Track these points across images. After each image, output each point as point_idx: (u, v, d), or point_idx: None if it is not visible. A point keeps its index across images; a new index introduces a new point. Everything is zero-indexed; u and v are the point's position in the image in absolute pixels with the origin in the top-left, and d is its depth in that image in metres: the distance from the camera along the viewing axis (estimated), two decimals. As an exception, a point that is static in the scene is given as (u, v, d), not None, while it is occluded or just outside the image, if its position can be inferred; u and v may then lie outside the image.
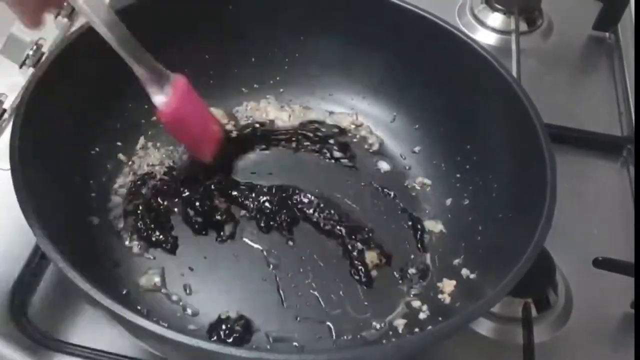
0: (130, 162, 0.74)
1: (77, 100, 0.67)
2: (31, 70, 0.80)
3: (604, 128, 0.87)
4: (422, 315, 0.64)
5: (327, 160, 0.78)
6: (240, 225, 0.70)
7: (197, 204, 0.70)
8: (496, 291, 0.53)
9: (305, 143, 0.79)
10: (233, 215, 0.71)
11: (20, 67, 0.82)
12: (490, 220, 0.67)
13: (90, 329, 0.63)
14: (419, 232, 0.71)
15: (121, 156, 0.73)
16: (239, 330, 0.61)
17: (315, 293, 0.66)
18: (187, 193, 0.71)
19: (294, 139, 0.79)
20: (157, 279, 0.65)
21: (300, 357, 0.60)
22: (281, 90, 0.82)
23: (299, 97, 0.82)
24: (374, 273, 0.67)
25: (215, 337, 0.61)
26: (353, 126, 0.81)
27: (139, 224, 0.68)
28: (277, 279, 0.66)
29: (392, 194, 0.75)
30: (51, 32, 0.80)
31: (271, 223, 0.70)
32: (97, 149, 0.71)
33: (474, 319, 0.62)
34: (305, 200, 0.71)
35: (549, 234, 0.56)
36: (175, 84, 0.65)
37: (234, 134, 0.78)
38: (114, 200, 0.70)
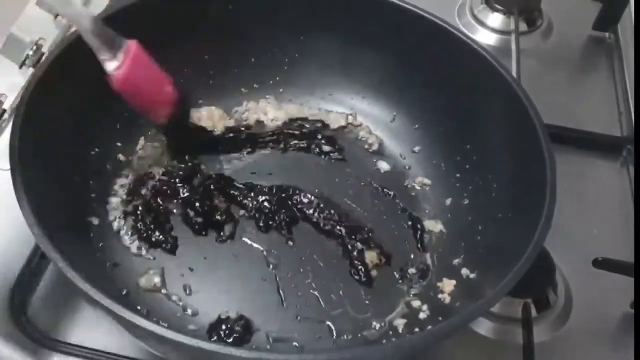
0: (130, 163, 0.73)
1: (77, 101, 0.67)
2: (31, 70, 0.80)
3: (604, 128, 0.87)
4: (422, 315, 0.64)
5: (317, 155, 0.78)
6: (240, 225, 0.70)
7: (197, 204, 0.70)
8: (496, 291, 0.53)
9: (293, 142, 0.79)
10: (233, 215, 0.71)
11: (20, 67, 0.82)
12: (490, 220, 0.67)
13: (90, 329, 0.63)
14: (419, 232, 0.71)
15: (121, 157, 0.73)
16: (239, 331, 0.61)
17: (316, 293, 0.66)
18: (186, 194, 0.71)
19: (281, 138, 0.79)
20: (157, 280, 0.65)
21: (300, 357, 0.60)
22: (281, 90, 0.82)
23: (298, 97, 0.82)
24: (374, 273, 0.67)
25: (215, 338, 0.61)
26: (353, 126, 0.81)
27: (138, 225, 0.68)
28: (277, 279, 0.66)
29: (392, 194, 0.75)
30: (51, 32, 0.80)
31: (270, 223, 0.70)
32: (97, 150, 0.71)
33: (474, 319, 0.62)
34: (305, 201, 0.72)
35: (548, 234, 0.56)
36: (127, 49, 0.65)
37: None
38: (114, 201, 0.70)
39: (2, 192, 0.57)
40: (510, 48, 0.91)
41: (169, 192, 0.71)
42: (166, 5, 0.73)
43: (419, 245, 0.71)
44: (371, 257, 0.68)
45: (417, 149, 0.78)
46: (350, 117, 0.81)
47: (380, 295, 0.66)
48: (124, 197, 0.71)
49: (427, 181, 0.76)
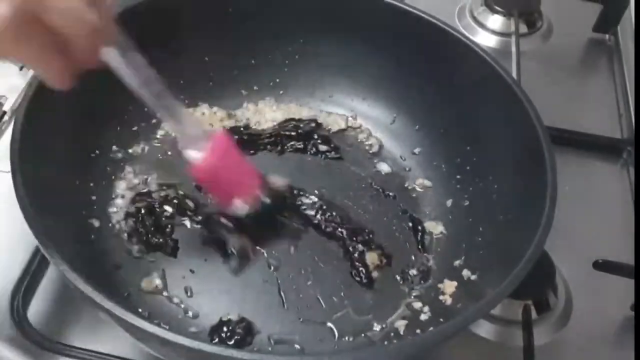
0: (130, 165, 0.73)
1: (77, 103, 0.66)
2: (31, 72, 0.80)
3: (604, 130, 0.88)
4: (423, 317, 0.64)
5: (314, 155, 0.78)
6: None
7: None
8: (496, 292, 0.53)
9: (290, 143, 0.79)
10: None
11: (21, 69, 0.82)
12: (490, 221, 0.67)
13: (91, 332, 0.63)
14: (420, 234, 0.71)
15: (121, 159, 0.73)
16: (240, 333, 0.61)
17: (317, 295, 0.66)
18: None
19: (278, 139, 0.79)
20: (158, 282, 0.65)
21: (301, 359, 0.60)
22: (281, 92, 0.82)
23: (298, 98, 0.83)
24: (375, 274, 0.67)
25: (216, 340, 0.61)
26: (352, 128, 0.81)
27: (139, 227, 0.68)
28: (278, 280, 0.66)
29: (392, 195, 0.75)
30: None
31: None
32: (97, 152, 0.71)
33: (475, 320, 0.62)
34: (308, 202, 0.71)
35: (549, 235, 0.56)
36: (212, 138, 0.62)
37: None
38: (114, 203, 0.70)
39: (3, 194, 0.57)
40: (510, 50, 0.92)
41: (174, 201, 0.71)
42: (166, 7, 0.73)
43: (420, 247, 0.71)
44: (372, 258, 0.68)
45: (417, 150, 0.78)
46: (350, 119, 0.81)
47: (381, 297, 0.66)
48: (126, 198, 0.70)
49: (428, 182, 0.76)
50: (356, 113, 0.82)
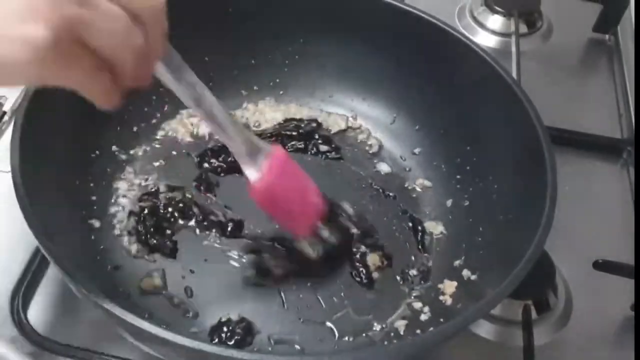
0: (131, 165, 0.73)
1: (77, 103, 0.65)
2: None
3: (604, 130, 0.88)
4: (423, 317, 0.64)
5: (314, 155, 0.78)
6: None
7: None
8: (496, 293, 0.53)
9: (291, 142, 0.79)
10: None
11: (21, 69, 0.81)
12: (490, 221, 0.67)
13: (91, 332, 0.63)
14: (420, 234, 0.71)
15: (121, 159, 0.73)
16: (241, 333, 0.61)
17: (317, 295, 0.66)
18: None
19: (279, 139, 0.79)
20: (158, 282, 0.65)
21: (301, 359, 0.60)
22: (281, 92, 0.83)
23: (298, 98, 0.83)
24: (375, 275, 0.67)
25: (216, 340, 0.61)
26: (352, 128, 0.81)
27: (139, 227, 0.68)
28: (278, 281, 0.66)
29: (392, 195, 0.75)
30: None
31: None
32: (97, 152, 0.71)
33: (475, 320, 0.62)
34: None
35: (549, 235, 0.56)
36: (271, 156, 0.59)
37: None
38: (117, 202, 0.70)
39: (3, 194, 0.57)
40: (510, 50, 0.91)
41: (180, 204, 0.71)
42: (166, 8, 0.73)
43: (420, 247, 0.71)
44: (373, 259, 0.68)
45: (417, 150, 0.78)
46: (350, 119, 0.81)
47: (381, 297, 0.66)
48: (129, 198, 0.70)
49: (428, 183, 0.76)
50: (356, 113, 0.82)
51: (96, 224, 0.67)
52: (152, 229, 0.68)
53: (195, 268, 0.66)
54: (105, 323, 0.59)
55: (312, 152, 0.78)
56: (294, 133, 0.79)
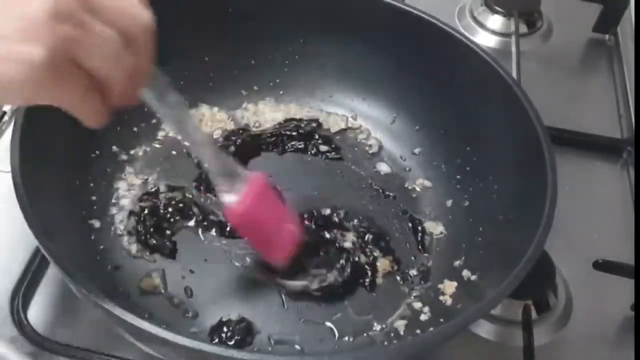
0: (131, 166, 0.73)
1: (77, 103, 0.66)
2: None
3: (604, 130, 0.88)
4: (423, 317, 0.64)
5: (314, 155, 0.78)
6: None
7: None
8: (497, 293, 0.53)
9: (291, 143, 0.79)
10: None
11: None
12: (490, 221, 0.67)
13: (91, 332, 0.63)
14: (420, 234, 0.71)
15: (121, 160, 0.73)
16: (241, 333, 0.61)
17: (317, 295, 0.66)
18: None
19: (279, 140, 0.79)
20: (158, 282, 0.65)
21: (301, 359, 0.60)
22: (281, 92, 0.82)
23: (298, 98, 0.83)
24: (379, 281, 0.67)
25: (216, 340, 0.61)
26: (352, 129, 0.81)
27: (139, 227, 0.68)
28: (278, 281, 0.66)
29: (392, 195, 0.75)
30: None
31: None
32: (97, 152, 0.71)
33: (475, 320, 0.62)
34: (328, 212, 0.72)
35: (549, 235, 0.56)
36: (249, 181, 0.60)
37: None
38: (114, 204, 0.70)
39: (3, 194, 0.57)
40: (510, 50, 0.91)
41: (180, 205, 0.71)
42: (166, 8, 0.73)
43: (420, 247, 0.71)
44: (383, 264, 0.68)
45: (417, 150, 0.78)
46: (350, 119, 0.81)
47: (381, 297, 0.66)
48: (130, 198, 0.70)
49: (428, 183, 0.76)
50: (356, 113, 0.82)
51: (96, 224, 0.67)
52: (151, 229, 0.68)
53: (195, 268, 0.66)
54: (105, 323, 0.59)
55: (312, 152, 0.78)
56: (294, 133, 0.79)
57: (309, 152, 0.78)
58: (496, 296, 0.53)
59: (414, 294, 0.67)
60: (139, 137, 0.76)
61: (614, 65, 0.98)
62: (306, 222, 0.70)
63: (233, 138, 0.78)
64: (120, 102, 0.45)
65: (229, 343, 0.61)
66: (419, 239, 0.71)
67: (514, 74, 0.84)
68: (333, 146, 0.79)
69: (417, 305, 0.65)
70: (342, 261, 0.67)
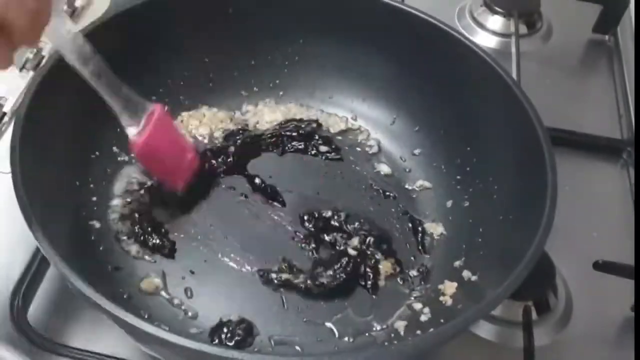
0: (130, 167, 0.73)
1: (77, 104, 0.66)
2: (31, 73, 0.80)
3: (604, 131, 0.87)
4: (423, 318, 0.64)
5: (314, 156, 0.78)
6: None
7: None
8: (497, 294, 0.53)
9: (291, 143, 0.79)
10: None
11: (20, 70, 0.82)
12: (490, 222, 0.67)
13: (91, 332, 0.63)
14: (420, 235, 0.71)
15: (121, 160, 0.73)
16: (241, 334, 0.61)
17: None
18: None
19: (279, 140, 0.79)
20: (158, 283, 0.65)
21: (301, 359, 0.60)
22: (281, 93, 0.82)
23: (298, 99, 0.83)
24: (382, 283, 0.67)
25: (216, 341, 0.61)
26: (352, 130, 0.81)
27: (136, 228, 0.68)
28: (278, 281, 0.66)
29: (392, 196, 0.75)
30: (51, 35, 0.80)
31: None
32: (97, 153, 0.71)
33: (475, 321, 0.62)
34: (328, 215, 0.72)
35: (549, 236, 0.56)
36: (150, 113, 0.64)
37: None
38: (113, 204, 0.70)
39: (3, 195, 0.57)
40: (510, 50, 0.91)
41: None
42: (166, 9, 0.73)
43: (420, 248, 0.71)
44: (385, 267, 0.68)
45: (417, 151, 0.78)
46: (350, 120, 0.81)
47: (381, 298, 0.66)
48: (121, 199, 0.70)
49: (428, 183, 0.76)
50: (356, 114, 0.82)
51: (96, 224, 0.67)
52: (149, 229, 0.68)
53: (195, 269, 0.66)
54: (105, 323, 0.59)
55: (312, 152, 0.78)
56: (294, 134, 0.79)
57: (309, 153, 0.78)
58: (496, 297, 0.53)
59: (414, 295, 0.66)
60: (139, 137, 0.75)
61: (614, 66, 0.98)
62: (306, 224, 0.70)
63: (233, 138, 0.78)
64: (23, 41, 0.47)
65: (229, 344, 0.61)
66: (419, 239, 0.71)
67: (514, 75, 0.84)
68: (333, 147, 0.79)
69: (418, 305, 0.65)
70: (343, 262, 0.67)
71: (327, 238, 0.69)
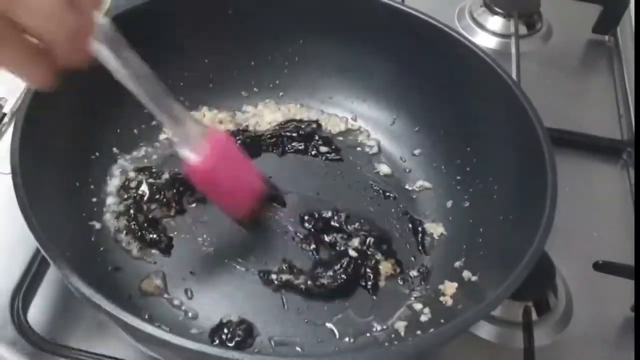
0: (130, 167, 0.73)
1: (77, 105, 0.66)
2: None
3: (604, 131, 0.87)
4: (423, 318, 0.64)
5: (314, 157, 0.78)
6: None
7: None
8: (497, 294, 0.53)
9: (291, 144, 0.79)
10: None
11: (20, 70, 0.81)
12: (491, 222, 0.67)
13: (91, 333, 0.63)
14: (420, 235, 0.71)
15: (121, 161, 0.73)
16: (241, 334, 0.61)
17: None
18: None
19: (279, 141, 0.79)
20: (158, 283, 0.65)
21: (302, 360, 0.60)
22: (281, 93, 0.82)
23: (298, 100, 0.82)
24: (382, 284, 0.67)
25: (217, 341, 0.61)
26: (352, 130, 0.81)
27: (132, 225, 0.68)
28: (278, 282, 0.66)
29: (392, 196, 0.75)
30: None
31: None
32: (97, 154, 0.71)
33: (476, 321, 0.62)
34: (329, 215, 0.71)
35: (549, 236, 0.56)
36: (210, 138, 0.59)
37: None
38: (108, 202, 0.70)
39: (3, 196, 0.57)
40: (510, 51, 0.92)
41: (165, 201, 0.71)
42: (166, 9, 0.73)
43: (420, 248, 0.71)
44: (386, 267, 0.68)
45: (417, 151, 0.78)
46: (350, 120, 0.81)
47: (382, 298, 0.66)
48: (117, 197, 0.70)
49: (428, 184, 0.76)
50: (356, 114, 0.82)
51: (97, 225, 0.67)
52: (145, 224, 0.68)
53: (195, 269, 0.66)
54: (105, 324, 0.59)
55: (312, 153, 0.78)
56: (294, 134, 0.79)
57: (309, 153, 0.78)
58: (497, 297, 0.53)
59: (414, 295, 0.66)
60: (140, 138, 0.75)
61: (614, 66, 0.98)
62: (307, 224, 0.70)
63: (233, 139, 0.78)
64: (68, 62, 0.45)
65: (229, 344, 0.61)
66: (419, 240, 0.71)
67: (514, 75, 0.84)
68: (333, 147, 0.79)
69: (418, 306, 0.65)
70: (343, 263, 0.67)
71: (327, 238, 0.70)
